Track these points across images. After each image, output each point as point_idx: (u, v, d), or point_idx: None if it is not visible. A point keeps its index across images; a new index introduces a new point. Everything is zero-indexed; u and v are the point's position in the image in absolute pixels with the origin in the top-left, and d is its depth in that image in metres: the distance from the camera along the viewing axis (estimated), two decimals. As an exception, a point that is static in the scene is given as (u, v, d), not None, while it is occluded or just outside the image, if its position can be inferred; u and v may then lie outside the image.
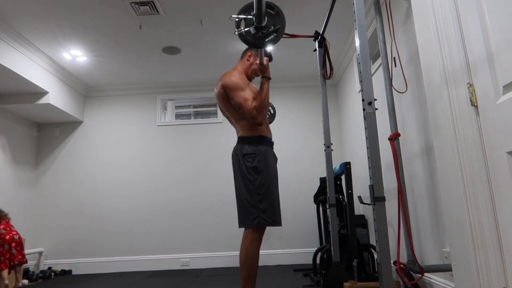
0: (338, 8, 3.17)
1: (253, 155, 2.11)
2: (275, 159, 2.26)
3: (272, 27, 1.78)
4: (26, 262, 3.65)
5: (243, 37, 1.77)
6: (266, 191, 2.07)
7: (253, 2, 1.63)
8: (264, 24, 1.76)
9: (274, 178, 2.15)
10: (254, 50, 2.34)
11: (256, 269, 2.03)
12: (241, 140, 2.20)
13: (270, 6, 1.80)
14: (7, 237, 3.52)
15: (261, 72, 2.18)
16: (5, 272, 3.40)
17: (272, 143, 2.27)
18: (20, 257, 3.54)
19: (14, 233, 3.61)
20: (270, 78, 2.18)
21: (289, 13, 3.43)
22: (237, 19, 1.76)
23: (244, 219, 2.09)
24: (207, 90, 5.04)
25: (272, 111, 2.79)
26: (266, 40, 1.79)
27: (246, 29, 1.75)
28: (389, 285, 1.42)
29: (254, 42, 1.78)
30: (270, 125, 2.50)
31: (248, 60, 2.34)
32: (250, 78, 2.35)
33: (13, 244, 3.53)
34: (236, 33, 1.76)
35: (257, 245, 2.05)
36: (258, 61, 2.18)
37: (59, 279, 4.21)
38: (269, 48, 2.36)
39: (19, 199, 4.50)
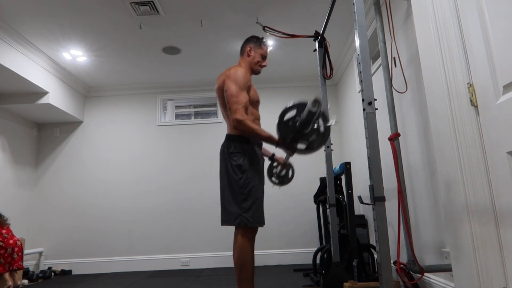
0: (338, 8, 3.17)
1: (239, 154, 2.09)
2: (262, 159, 2.24)
3: (306, 141, 1.84)
4: (23, 268, 3.71)
5: (282, 114, 1.81)
6: (250, 190, 2.05)
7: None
8: (305, 131, 1.81)
9: (259, 178, 2.12)
10: (252, 43, 2.32)
11: (250, 268, 2.01)
12: (228, 138, 2.18)
13: (325, 134, 1.84)
14: (11, 241, 3.54)
15: (278, 146, 2.03)
16: (6, 275, 3.42)
17: (260, 143, 2.24)
18: (20, 263, 3.56)
19: (16, 239, 3.63)
20: (277, 145, 2.03)
21: (289, 13, 3.43)
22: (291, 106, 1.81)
23: (226, 217, 2.09)
24: (207, 90, 5.04)
25: (290, 175, 2.44)
26: (294, 144, 1.85)
27: (291, 113, 1.80)
28: (389, 285, 1.42)
29: (282, 128, 1.84)
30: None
31: (249, 55, 2.29)
32: (255, 72, 2.31)
33: (16, 249, 3.54)
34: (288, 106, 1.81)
35: (249, 244, 2.03)
36: (285, 159, 2.20)
37: (59, 279, 4.21)
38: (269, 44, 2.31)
39: (19, 199, 4.50)
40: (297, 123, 1.80)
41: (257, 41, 2.32)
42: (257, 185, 2.09)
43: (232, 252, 2.08)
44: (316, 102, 1.71)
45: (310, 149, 1.90)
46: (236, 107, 2.02)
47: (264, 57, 2.33)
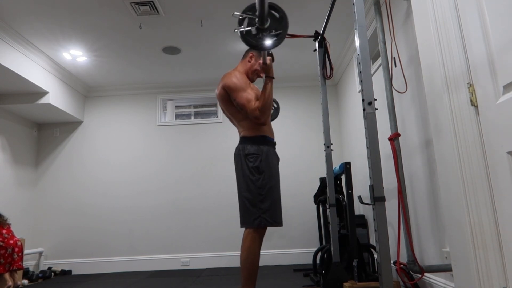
0: (338, 8, 3.17)
1: (255, 155, 2.11)
2: (277, 159, 2.26)
3: (274, 31, 1.77)
4: (23, 268, 3.72)
5: (243, 36, 1.76)
6: (268, 191, 2.07)
7: (256, 2, 1.61)
8: (266, 26, 1.74)
9: (276, 178, 2.15)
10: (256, 51, 2.34)
11: (256, 269, 2.03)
12: (243, 140, 2.19)
13: (275, 8, 1.79)
14: (11, 241, 3.55)
15: (265, 72, 2.18)
16: (6, 275, 3.43)
17: (274, 143, 2.27)
18: (20, 263, 3.56)
19: (16, 239, 3.64)
20: (273, 78, 2.18)
21: (289, 13, 3.42)
22: (240, 17, 1.75)
23: (245, 219, 2.09)
24: (207, 90, 5.04)
25: (275, 105, 2.82)
26: (266, 42, 1.78)
27: (247, 28, 1.75)
28: (389, 285, 1.42)
29: (253, 42, 1.78)
30: (272, 122, 2.63)
31: (249, 61, 2.33)
32: (251, 79, 2.34)
33: (16, 249, 3.54)
34: (236, 31, 1.76)
35: (258, 245, 2.05)
36: (261, 61, 2.17)
37: (59, 279, 4.21)
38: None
39: (19, 199, 4.50)
40: (256, 22, 1.75)
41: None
42: (274, 185, 2.12)
43: (239, 252, 2.09)
44: None
45: (279, 38, 1.81)
46: (250, 107, 2.09)
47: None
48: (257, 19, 1.71)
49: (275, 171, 2.16)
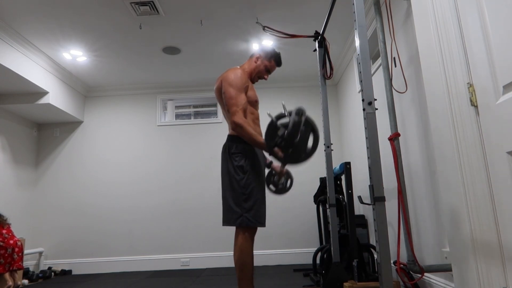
0: (338, 8, 3.17)
1: (240, 154, 2.10)
2: (264, 159, 2.25)
3: (296, 150, 1.83)
4: (23, 268, 3.72)
5: (269, 129, 1.83)
6: (251, 191, 2.06)
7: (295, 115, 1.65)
8: (296, 140, 1.81)
9: (260, 178, 2.14)
10: (264, 52, 2.35)
11: (250, 268, 2.02)
12: (230, 138, 2.18)
13: (314, 131, 1.87)
14: (11, 241, 3.55)
15: (271, 154, 2.00)
16: (6, 275, 3.43)
17: None
18: (20, 263, 3.56)
19: (16, 239, 3.64)
20: (270, 153, 2.02)
21: (289, 13, 3.43)
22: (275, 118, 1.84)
23: (227, 218, 2.08)
24: (207, 90, 5.04)
25: (288, 184, 2.39)
26: (284, 154, 1.85)
27: (279, 139, 1.81)
28: (389, 285, 1.42)
29: (275, 154, 1.85)
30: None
31: (255, 62, 2.33)
32: (253, 80, 2.34)
33: (16, 250, 3.55)
34: (269, 114, 1.84)
35: (249, 244, 2.04)
36: (281, 168, 2.16)
37: (59, 279, 4.21)
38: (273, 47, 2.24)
39: (19, 199, 4.50)
40: (285, 133, 1.82)
41: (269, 53, 2.35)
42: (258, 186, 2.11)
43: (232, 252, 2.08)
44: (299, 111, 1.74)
45: (297, 160, 1.92)
46: (234, 109, 2.05)
47: (268, 70, 2.36)
48: (286, 131, 1.79)
49: (259, 171, 2.15)
